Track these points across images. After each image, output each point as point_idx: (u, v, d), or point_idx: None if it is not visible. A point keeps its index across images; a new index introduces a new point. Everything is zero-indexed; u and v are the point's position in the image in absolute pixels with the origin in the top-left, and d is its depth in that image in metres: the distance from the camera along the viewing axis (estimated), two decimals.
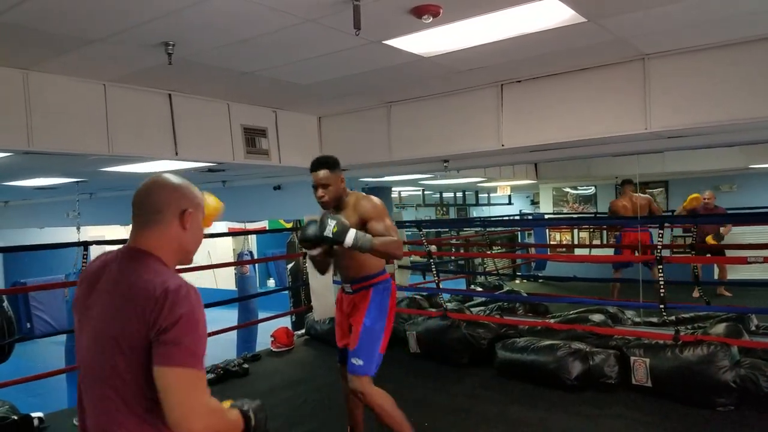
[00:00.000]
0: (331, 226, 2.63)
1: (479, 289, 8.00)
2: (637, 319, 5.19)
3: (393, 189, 9.89)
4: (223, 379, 4.74)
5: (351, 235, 2.63)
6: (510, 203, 12.64)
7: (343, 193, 2.92)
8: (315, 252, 2.84)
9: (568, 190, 10.70)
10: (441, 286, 5.45)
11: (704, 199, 7.22)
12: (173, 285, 1.35)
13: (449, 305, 5.21)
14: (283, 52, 3.44)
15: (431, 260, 5.26)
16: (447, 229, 11.31)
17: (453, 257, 9.66)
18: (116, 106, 3.96)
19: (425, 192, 10.70)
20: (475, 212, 14.46)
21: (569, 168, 9.36)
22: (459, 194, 11.70)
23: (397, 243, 2.80)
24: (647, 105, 3.93)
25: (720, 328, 4.05)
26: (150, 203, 1.49)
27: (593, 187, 10.71)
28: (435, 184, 9.41)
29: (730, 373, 3.63)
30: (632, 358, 4.06)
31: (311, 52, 3.46)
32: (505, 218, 10.19)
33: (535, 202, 14.78)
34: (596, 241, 9.64)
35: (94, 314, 1.42)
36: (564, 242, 10.38)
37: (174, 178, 1.54)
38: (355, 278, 2.95)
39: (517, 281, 8.97)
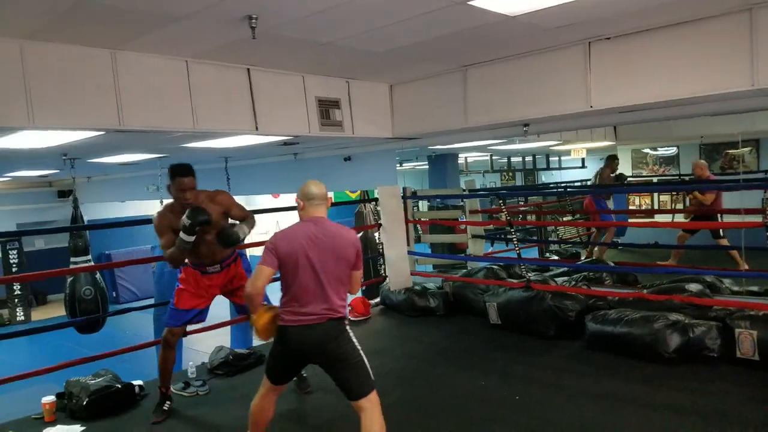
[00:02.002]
0: (241, 237, 3.44)
1: (554, 257, 7.78)
2: (736, 288, 4.87)
3: (459, 155, 9.71)
4: None
5: (244, 233, 3.48)
6: (584, 166, 12.14)
7: (197, 194, 3.44)
8: (191, 239, 3.30)
9: (647, 151, 10.16)
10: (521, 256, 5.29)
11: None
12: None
13: (532, 276, 5.05)
14: (363, 19, 3.34)
15: (512, 229, 5.09)
16: (515, 197, 11.02)
17: (525, 225, 9.41)
18: (198, 82, 3.99)
19: (492, 157, 10.42)
20: (545, 177, 14.01)
21: (651, 129, 8.84)
22: (528, 159, 11.32)
23: (253, 220, 3.63)
24: (754, 59, 3.58)
25: None
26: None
27: (675, 148, 10.12)
28: (504, 149, 9.13)
29: None
30: (737, 330, 3.82)
31: (391, 17, 3.34)
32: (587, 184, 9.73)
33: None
34: (679, 205, 9.13)
35: (330, 248, 2.71)
36: (643, 206, 9.91)
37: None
38: (224, 257, 3.62)
39: (596, 248, 8.64)
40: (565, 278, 5.24)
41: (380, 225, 5.69)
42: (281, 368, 2.83)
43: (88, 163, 6.85)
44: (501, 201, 5.22)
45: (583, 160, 12.40)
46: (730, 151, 10.03)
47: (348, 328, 2.74)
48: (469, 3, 3.16)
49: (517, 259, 5.18)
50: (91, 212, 11.76)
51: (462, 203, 7.96)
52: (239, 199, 7.76)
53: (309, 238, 2.69)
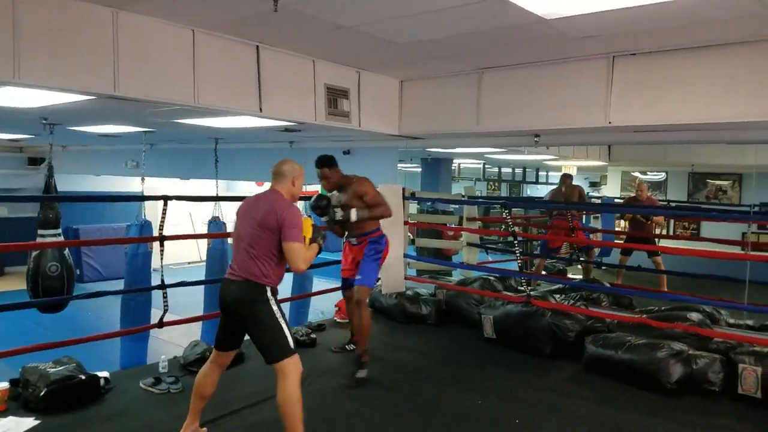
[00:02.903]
0: (339, 213, 3.96)
1: (543, 273, 7.66)
2: (732, 321, 4.79)
3: (453, 161, 9.55)
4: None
5: (353, 213, 3.96)
6: None
7: (340, 180, 4.13)
8: (324, 219, 4.07)
9: (637, 174, 10.16)
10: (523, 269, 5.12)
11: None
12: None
13: (532, 291, 4.88)
14: (394, 5, 3.12)
15: (515, 240, 4.91)
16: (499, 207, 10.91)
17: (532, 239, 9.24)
18: (204, 55, 3.72)
19: (485, 166, 10.30)
20: (529, 190, 13.99)
21: (644, 152, 8.85)
22: (518, 171, 11.24)
23: (383, 208, 4.09)
24: None
25: None
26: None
27: (664, 174, 10.14)
28: (499, 159, 9.01)
29: None
30: (741, 365, 3.71)
31: (422, 6, 3.13)
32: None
33: (593, 184, 14.22)
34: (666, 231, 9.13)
35: (253, 215, 2.87)
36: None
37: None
38: (359, 234, 4.19)
39: (579, 266, 8.56)
40: (561, 296, 5.09)
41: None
42: (220, 327, 2.99)
43: (68, 131, 6.45)
44: (507, 211, 5.04)
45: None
46: (714, 181, 10.12)
47: (270, 297, 2.82)
48: None
49: (519, 273, 5.02)
50: (63, 183, 11.21)
51: (452, 210, 7.81)
52: (222, 184, 7.48)
53: (246, 203, 3.00)
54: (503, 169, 11.34)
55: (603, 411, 3.56)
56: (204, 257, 6.62)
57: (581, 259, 7.58)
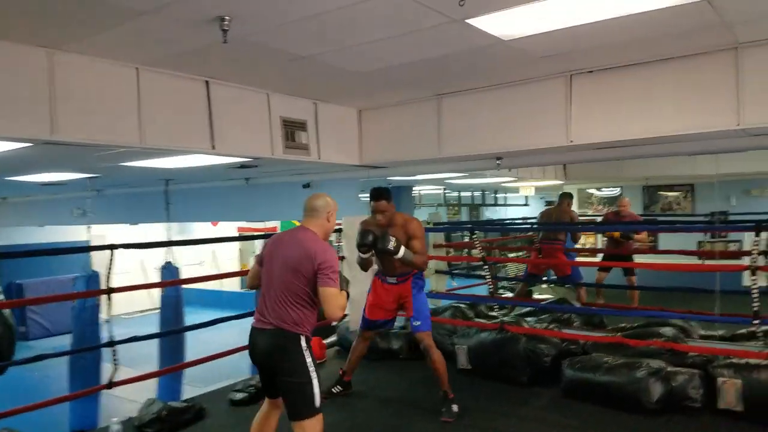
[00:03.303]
0: (392, 242, 3.67)
1: (508, 294, 7.60)
2: (702, 332, 4.79)
3: (413, 188, 9.49)
4: (255, 399, 4.28)
5: (402, 251, 3.71)
6: (527, 204, 12.25)
7: (393, 215, 3.90)
8: (366, 255, 3.86)
9: (593, 191, 10.33)
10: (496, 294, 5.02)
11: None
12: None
13: (504, 317, 4.77)
14: (351, 32, 3.02)
15: (486, 265, 4.81)
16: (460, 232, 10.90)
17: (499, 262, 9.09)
18: (149, 93, 3.51)
19: (445, 191, 10.29)
20: (488, 213, 14.06)
21: (600, 168, 8.98)
22: (477, 194, 11.28)
23: (425, 259, 3.94)
24: (740, 99, 3.53)
25: None
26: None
27: (619, 189, 10.35)
28: (459, 183, 9.00)
29: None
30: (720, 379, 3.67)
31: (383, 32, 3.04)
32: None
33: (549, 203, 14.43)
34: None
35: (286, 258, 2.70)
36: (588, 245, 10.01)
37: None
38: (401, 273, 3.98)
39: (543, 286, 8.56)
40: (532, 319, 5.01)
41: (343, 258, 5.28)
42: (261, 377, 2.87)
43: (5, 182, 6.07)
44: (473, 235, 4.94)
45: (526, 198, 12.53)
46: (667, 193, 10.40)
47: (305, 348, 2.65)
48: (467, 21, 2.91)
49: (490, 298, 4.91)
50: (6, 236, 10.58)
51: None
52: (174, 227, 7.14)
53: (274, 243, 2.82)
54: (462, 193, 11.37)
55: None
56: (158, 304, 6.26)
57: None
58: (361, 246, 3.74)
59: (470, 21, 2.92)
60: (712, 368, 3.77)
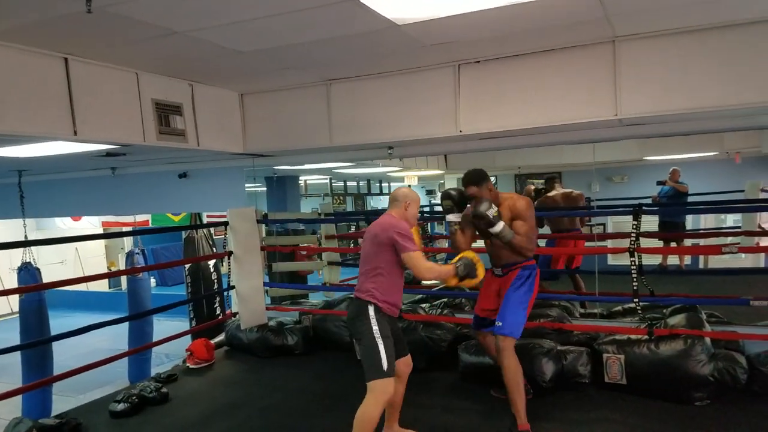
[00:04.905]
0: (493, 209, 3.27)
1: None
2: (582, 311, 5.09)
3: (300, 178, 9.23)
4: (138, 409, 3.88)
5: (501, 224, 3.28)
6: None
7: (494, 197, 3.44)
8: (455, 220, 3.47)
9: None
10: None
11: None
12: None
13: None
14: (230, 7, 2.75)
15: None
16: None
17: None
18: None
19: (332, 181, 10.12)
20: (373, 202, 14.10)
21: (477, 158, 9.30)
22: (362, 183, 11.22)
23: (528, 245, 3.37)
24: (617, 90, 3.73)
25: (682, 319, 3.99)
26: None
27: (494, 177, 10.78)
28: (346, 173, 8.88)
29: (708, 367, 3.56)
30: (605, 355, 3.89)
31: (271, 8, 2.80)
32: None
33: (430, 192, 14.77)
34: None
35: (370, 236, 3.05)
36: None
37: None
38: (506, 263, 3.49)
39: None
40: (425, 305, 5.02)
41: (230, 253, 4.93)
42: None
43: None
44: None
45: (409, 186, 12.70)
46: (536, 181, 11.03)
47: (372, 315, 2.91)
48: (362, 0, 2.76)
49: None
50: None
51: (303, 228, 7.47)
52: (30, 222, 6.32)
53: (368, 229, 3.14)
54: (348, 183, 11.24)
55: (490, 421, 3.51)
56: (16, 308, 5.52)
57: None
58: (445, 199, 3.47)
59: (364, 1, 2.78)
60: (597, 345, 3.97)
